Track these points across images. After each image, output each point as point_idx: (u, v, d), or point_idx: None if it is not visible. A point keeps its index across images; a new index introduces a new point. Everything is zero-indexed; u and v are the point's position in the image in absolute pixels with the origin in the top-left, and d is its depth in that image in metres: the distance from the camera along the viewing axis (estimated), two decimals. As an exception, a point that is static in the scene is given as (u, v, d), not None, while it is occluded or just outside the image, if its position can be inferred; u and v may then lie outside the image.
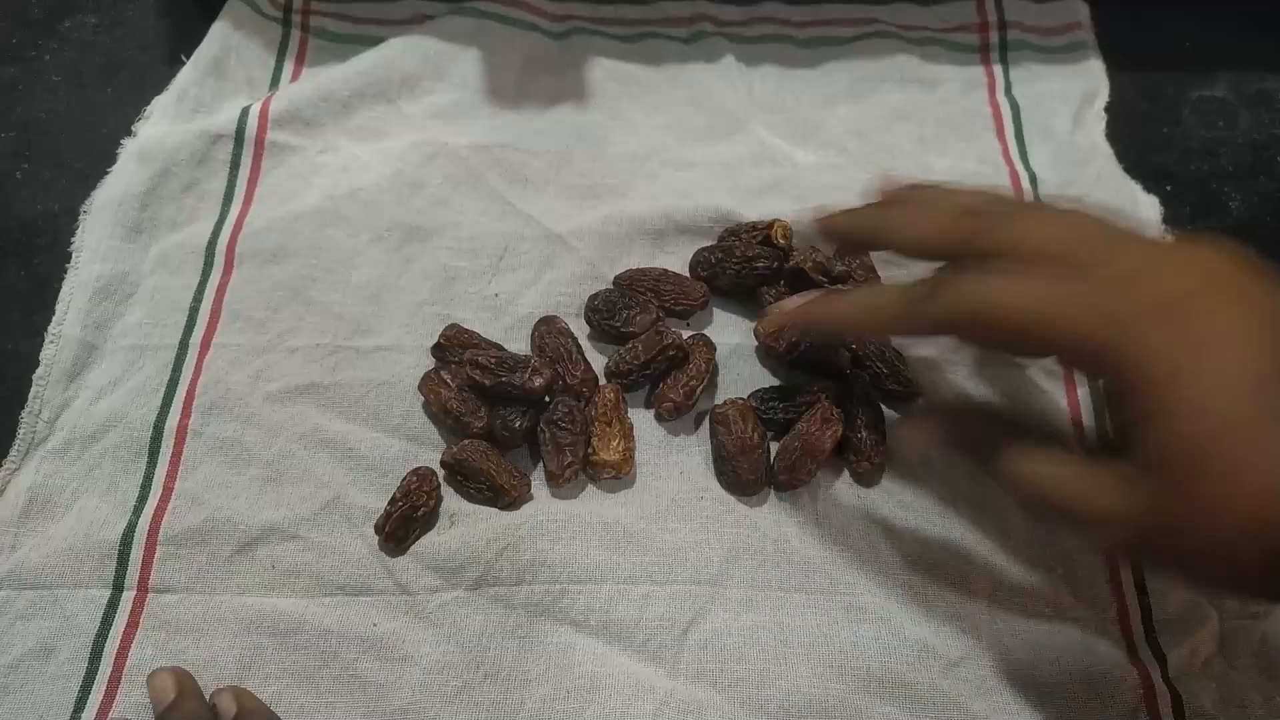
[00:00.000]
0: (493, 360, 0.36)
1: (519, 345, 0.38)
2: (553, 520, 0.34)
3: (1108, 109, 0.45)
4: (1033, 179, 0.43)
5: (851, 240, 0.35)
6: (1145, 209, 0.42)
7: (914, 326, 0.31)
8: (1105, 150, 0.43)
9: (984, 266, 0.27)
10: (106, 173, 0.42)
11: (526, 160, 0.43)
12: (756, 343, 0.38)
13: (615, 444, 0.35)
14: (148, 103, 0.45)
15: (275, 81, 0.46)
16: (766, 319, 0.37)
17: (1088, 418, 0.37)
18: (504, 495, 0.34)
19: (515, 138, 0.43)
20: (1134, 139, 0.45)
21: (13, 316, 0.40)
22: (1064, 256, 0.26)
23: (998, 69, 0.46)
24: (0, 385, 0.38)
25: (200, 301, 0.39)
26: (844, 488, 0.36)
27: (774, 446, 0.36)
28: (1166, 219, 0.42)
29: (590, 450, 0.35)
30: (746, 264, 0.38)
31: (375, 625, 0.33)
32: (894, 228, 0.31)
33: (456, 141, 0.43)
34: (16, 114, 0.45)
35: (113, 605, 0.33)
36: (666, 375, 0.37)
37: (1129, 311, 0.25)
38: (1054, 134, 0.44)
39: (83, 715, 0.31)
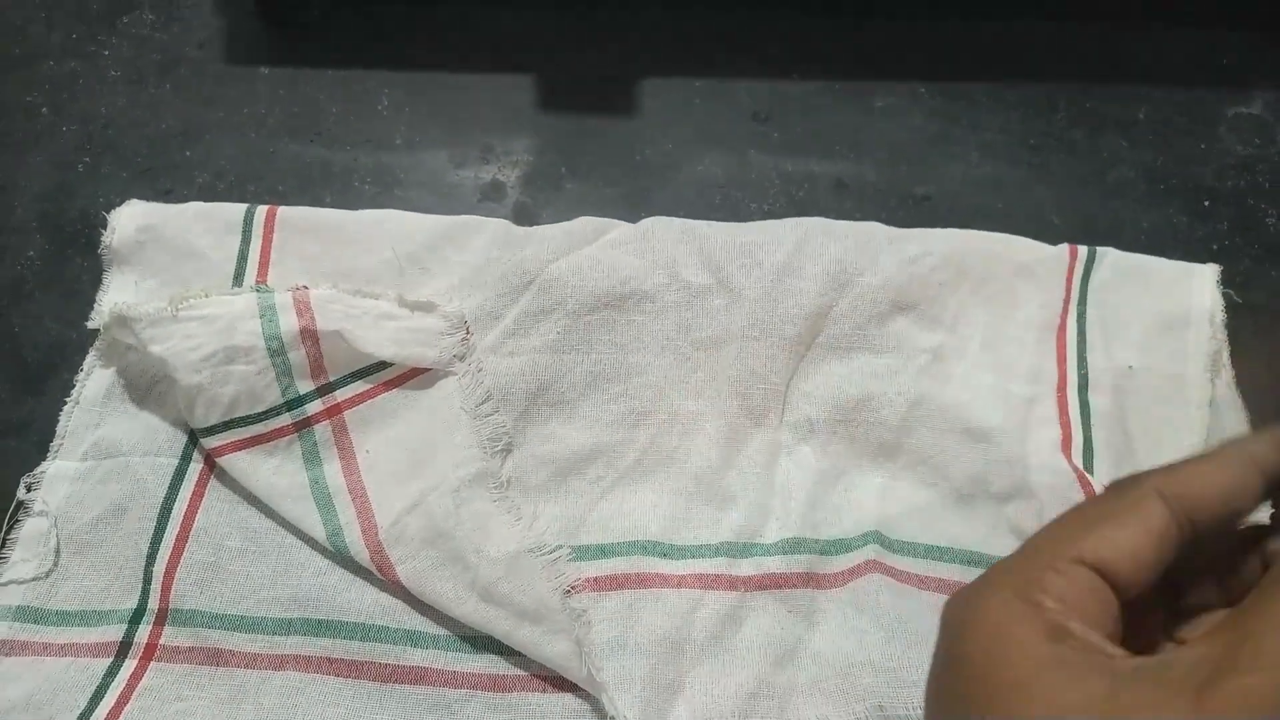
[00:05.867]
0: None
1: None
2: None
3: (1145, 123, 0.46)
4: None
5: None
6: None
7: None
8: None
9: None
10: (164, 167, 0.44)
11: None
12: None
13: None
14: (205, 100, 0.46)
15: None
16: None
17: None
18: None
19: None
20: (1171, 154, 0.45)
21: (76, 305, 0.41)
22: None
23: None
24: (64, 370, 0.39)
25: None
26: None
27: None
28: (1203, 234, 0.43)
29: None
30: None
31: None
32: None
33: None
34: (78, 107, 0.47)
35: (179, 474, 0.37)
36: None
37: None
38: None
39: (154, 569, 0.35)
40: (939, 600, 0.33)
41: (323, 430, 0.36)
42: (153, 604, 0.34)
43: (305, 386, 0.36)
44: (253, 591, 0.34)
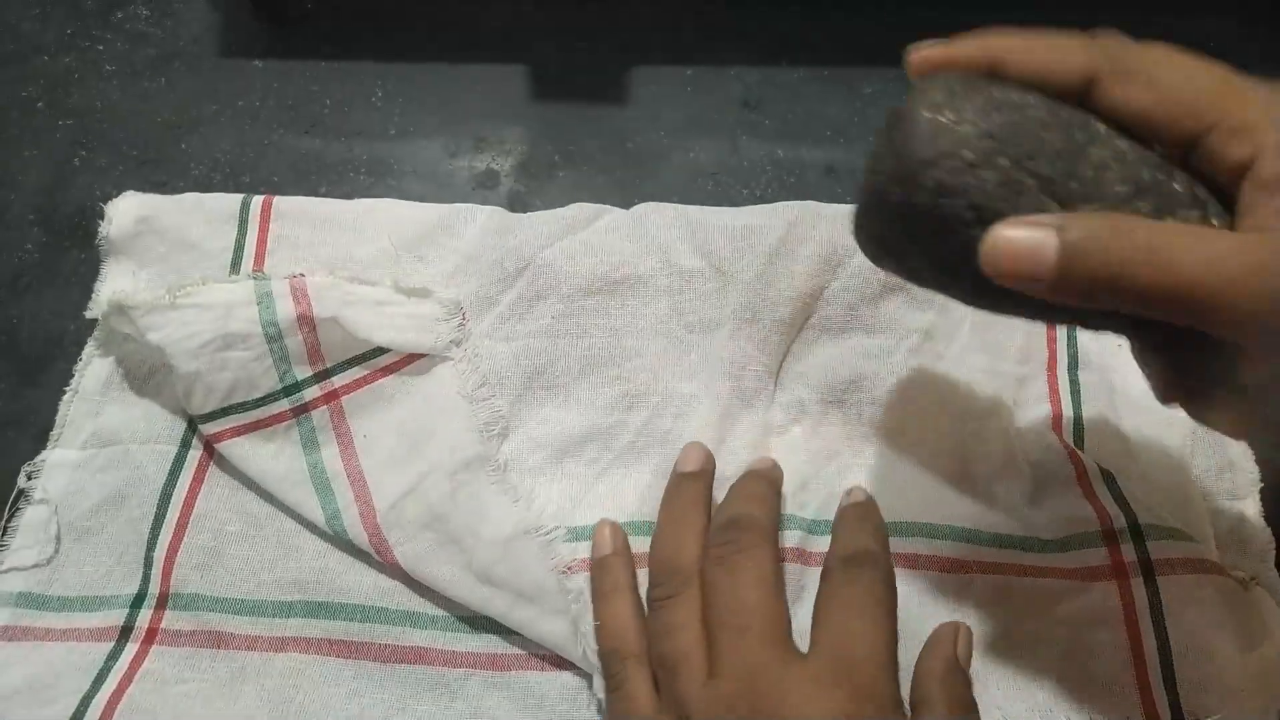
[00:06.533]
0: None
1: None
2: None
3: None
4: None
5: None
6: None
7: None
8: None
9: None
10: (160, 160, 0.44)
11: None
12: None
13: None
14: (200, 93, 0.46)
15: None
16: None
17: None
18: None
19: None
20: (1158, 137, 0.46)
21: (73, 297, 0.41)
22: None
23: None
24: (63, 360, 0.40)
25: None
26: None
27: None
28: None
29: None
30: None
31: None
32: None
33: None
34: (74, 101, 0.47)
35: (179, 460, 0.37)
36: None
37: None
38: None
39: (154, 554, 0.35)
40: (927, 581, 0.34)
41: (320, 415, 0.37)
42: (153, 589, 0.35)
43: (303, 372, 0.37)
44: (253, 575, 0.35)
